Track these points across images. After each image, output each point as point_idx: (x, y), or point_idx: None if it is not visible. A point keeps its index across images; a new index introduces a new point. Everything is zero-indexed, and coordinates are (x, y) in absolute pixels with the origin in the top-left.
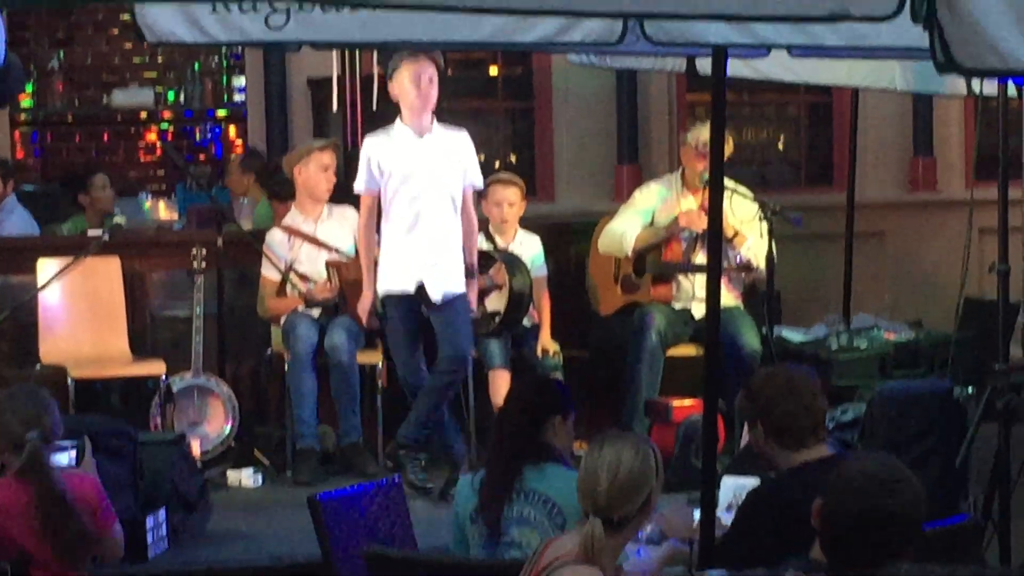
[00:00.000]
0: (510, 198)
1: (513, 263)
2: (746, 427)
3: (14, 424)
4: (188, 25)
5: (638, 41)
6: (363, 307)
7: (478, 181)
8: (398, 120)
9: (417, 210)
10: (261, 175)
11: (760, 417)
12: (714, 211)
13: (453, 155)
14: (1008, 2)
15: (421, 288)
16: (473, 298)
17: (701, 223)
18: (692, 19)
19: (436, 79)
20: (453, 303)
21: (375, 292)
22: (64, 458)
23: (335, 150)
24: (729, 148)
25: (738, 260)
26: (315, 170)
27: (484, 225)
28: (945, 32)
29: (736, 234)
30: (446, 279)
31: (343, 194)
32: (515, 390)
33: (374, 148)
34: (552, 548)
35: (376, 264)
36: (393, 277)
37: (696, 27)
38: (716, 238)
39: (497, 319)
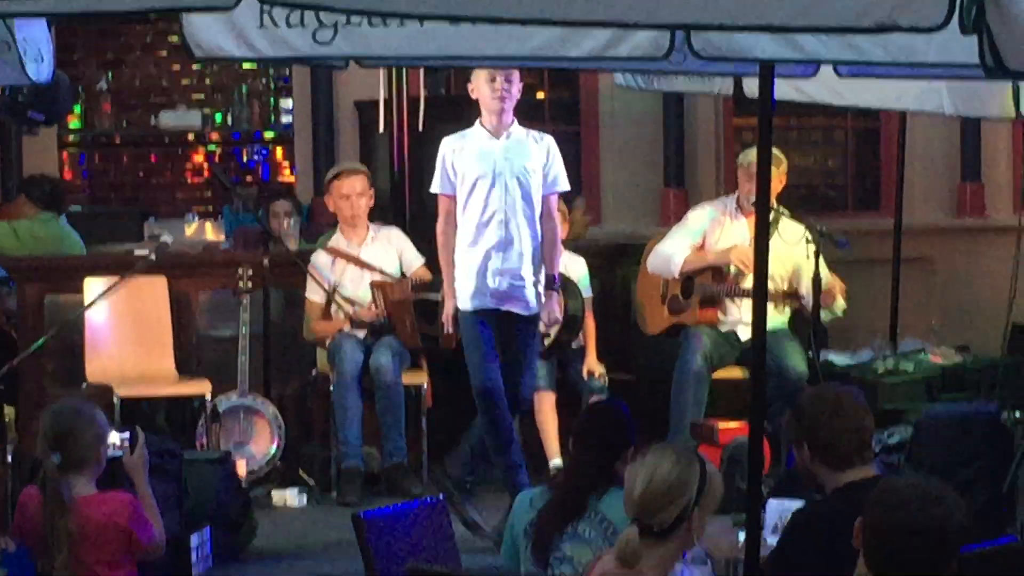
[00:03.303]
0: None
1: (568, 286)
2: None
3: (42, 442)
4: (236, 40)
5: (685, 59)
6: (445, 315)
7: (563, 185)
8: (477, 122)
9: (490, 216)
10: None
11: (807, 436)
12: (760, 232)
13: (532, 158)
14: None
15: (494, 305)
16: (554, 307)
17: (751, 267)
18: (739, 30)
19: (516, 79)
20: (525, 332)
21: (454, 300)
22: (115, 438)
23: (353, 175)
24: (782, 172)
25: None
26: (336, 198)
27: None
28: (995, 36)
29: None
30: (519, 295)
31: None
32: (594, 424)
33: (449, 149)
34: (600, 563)
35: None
36: (466, 292)
37: (743, 42)
38: (762, 262)
39: (547, 341)
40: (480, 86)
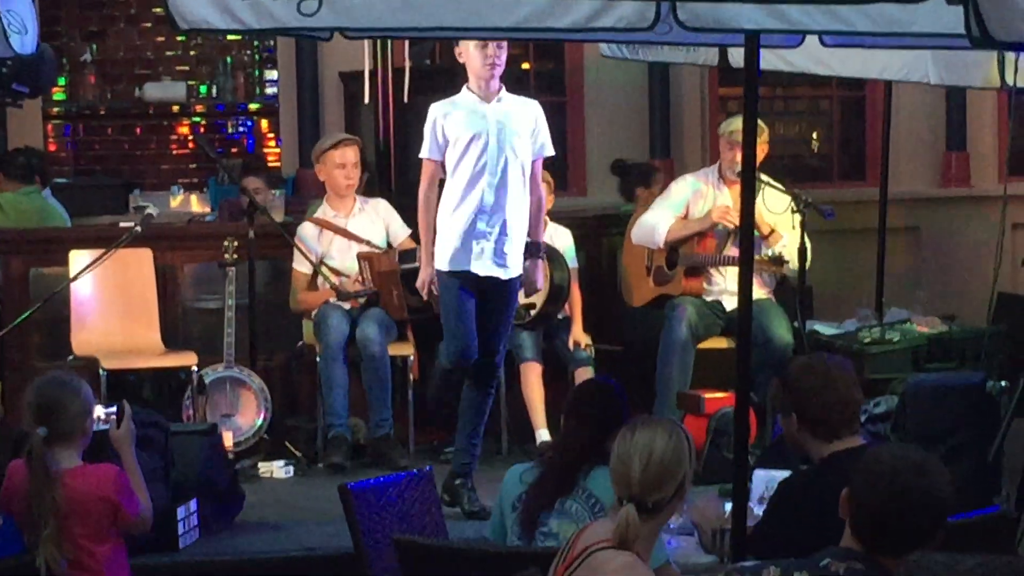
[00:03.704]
0: None
1: (554, 256)
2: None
3: (28, 415)
4: (220, 11)
5: (671, 29)
6: (421, 281)
7: (548, 150)
8: (464, 87)
9: (479, 180)
10: None
11: (796, 407)
12: (746, 203)
13: (521, 123)
14: None
15: (476, 268)
16: (538, 275)
17: (734, 219)
18: (724, 1)
19: (505, 45)
20: (502, 294)
21: (432, 266)
22: (101, 412)
23: (349, 146)
24: (764, 141)
25: (770, 253)
26: (331, 168)
27: None
28: (980, 6)
29: (772, 232)
30: (501, 259)
31: (380, 186)
32: (588, 402)
33: (439, 114)
34: (586, 535)
35: (435, 235)
36: (448, 254)
37: (728, 12)
38: (748, 231)
39: (533, 311)
40: (470, 52)
